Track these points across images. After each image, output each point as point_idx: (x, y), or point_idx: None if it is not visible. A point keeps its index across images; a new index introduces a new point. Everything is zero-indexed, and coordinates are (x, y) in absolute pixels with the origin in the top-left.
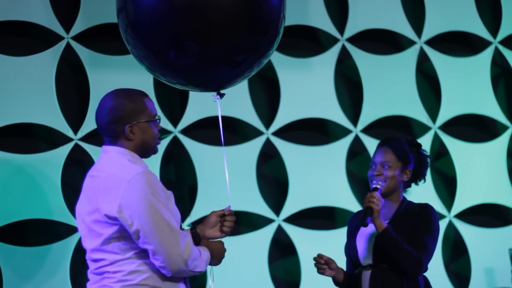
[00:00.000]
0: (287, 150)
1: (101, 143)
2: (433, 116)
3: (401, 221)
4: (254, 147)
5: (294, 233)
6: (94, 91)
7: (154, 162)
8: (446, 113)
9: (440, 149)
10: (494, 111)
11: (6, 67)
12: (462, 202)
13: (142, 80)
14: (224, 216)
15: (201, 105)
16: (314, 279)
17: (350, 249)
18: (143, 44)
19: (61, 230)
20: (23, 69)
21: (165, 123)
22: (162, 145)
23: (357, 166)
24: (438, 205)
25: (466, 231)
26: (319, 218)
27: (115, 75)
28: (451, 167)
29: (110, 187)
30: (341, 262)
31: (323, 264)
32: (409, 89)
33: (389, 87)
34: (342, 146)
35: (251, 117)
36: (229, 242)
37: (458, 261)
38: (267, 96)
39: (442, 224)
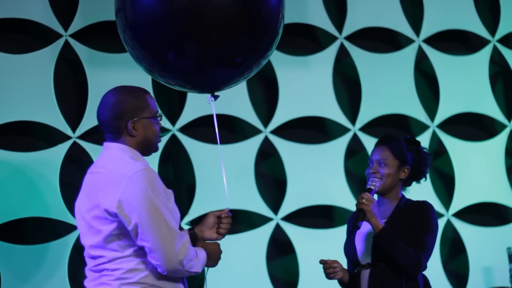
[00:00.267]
0: (285, 148)
1: (100, 141)
2: (432, 114)
3: (400, 218)
4: (252, 145)
5: (292, 231)
6: (92, 89)
7: (152, 160)
8: (444, 111)
9: (438, 148)
10: (493, 110)
11: (4, 64)
12: (460, 201)
13: (140, 78)
14: (220, 217)
15: (199, 103)
16: (312, 277)
17: (349, 248)
18: (141, 45)
19: (59, 228)
20: (21, 67)
21: (163, 121)
22: (161, 144)
23: (355, 165)
24: (436, 204)
25: (464, 230)
26: (317, 216)
27: (113, 73)
28: (449, 166)
29: (111, 183)
30: (340, 260)
31: (330, 267)
32: (407, 87)
33: (387, 86)
34: (340, 144)
35: (249, 116)
36: (227, 240)
37: (456, 260)
38: (265, 94)
39: (440, 223)
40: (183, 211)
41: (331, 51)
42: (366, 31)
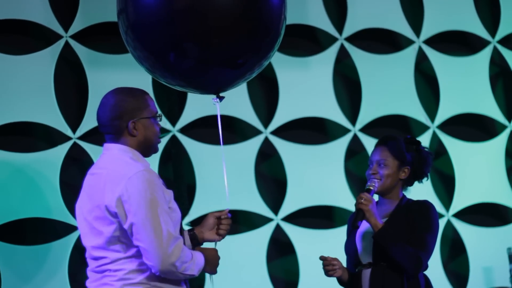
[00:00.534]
0: (285, 149)
1: (100, 141)
2: (432, 115)
3: (400, 218)
4: (252, 146)
5: (293, 232)
6: (92, 90)
7: (152, 161)
8: (444, 112)
9: (438, 149)
10: (493, 111)
11: (5, 65)
12: (460, 201)
13: (140, 78)
14: (220, 219)
15: (199, 104)
16: (312, 278)
17: (350, 247)
18: (144, 46)
19: (60, 228)
20: (22, 68)
21: (163, 122)
22: (161, 144)
23: (356, 165)
24: (436, 204)
25: (465, 230)
26: (317, 217)
27: (113, 74)
28: (450, 167)
29: (111, 182)
30: (340, 259)
31: (329, 264)
32: (407, 88)
33: (387, 86)
34: (340, 145)
35: (250, 116)
36: (227, 241)
37: (456, 260)
38: (265, 95)
39: (441, 224)
40: (183, 212)
41: (331, 52)
42: (366, 32)
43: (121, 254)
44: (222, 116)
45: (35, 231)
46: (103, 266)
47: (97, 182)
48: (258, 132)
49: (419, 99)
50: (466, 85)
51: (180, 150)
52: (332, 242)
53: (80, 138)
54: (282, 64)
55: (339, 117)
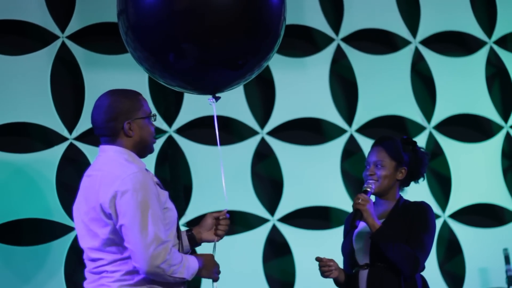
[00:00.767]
0: (282, 149)
1: (96, 142)
2: (428, 116)
3: (397, 219)
4: (249, 146)
5: (289, 232)
6: (89, 91)
7: (149, 162)
8: (441, 113)
9: (435, 149)
10: (489, 111)
11: (1, 66)
12: (456, 202)
13: (137, 79)
14: (218, 219)
15: (196, 104)
16: (308, 278)
17: (347, 248)
18: (143, 46)
19: (56, 229)
20: (18, 68)
21: (160, 123)
22: (157, 145)
23: (352, 166)
24: (432, 205)
25: (461, 231)
26: (313, 218)
27: (110, 74)
28: (446, 167)
29: (105, 184)
30: (336, 260)
31: (326, 265)
32: (404, 89)
33: (384, 87)
34: (337, 146)
35: (246, 117)
36: (223, 242)
37: (452, 261)
38: (262, 95)
39: (437, 224)
40: (180, 212)
41: (327, 53)
42: (362, 32)
43: (118, 256)
44: (219, 117)
45: (32, 232)
46: (100, 267)
47: (92, 184)
48: (255, 133)
49: (416, 100)
50: (462, 86)
51: (177, 151)
52: (329, 243)
53: (77, 138)
54: (278, 65)
55: (335, 118)
